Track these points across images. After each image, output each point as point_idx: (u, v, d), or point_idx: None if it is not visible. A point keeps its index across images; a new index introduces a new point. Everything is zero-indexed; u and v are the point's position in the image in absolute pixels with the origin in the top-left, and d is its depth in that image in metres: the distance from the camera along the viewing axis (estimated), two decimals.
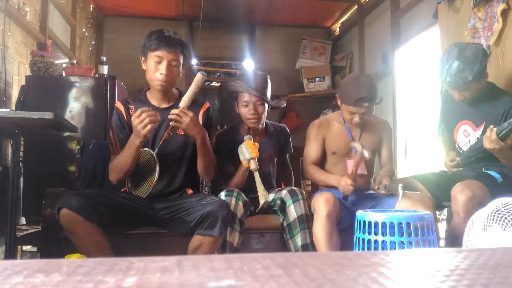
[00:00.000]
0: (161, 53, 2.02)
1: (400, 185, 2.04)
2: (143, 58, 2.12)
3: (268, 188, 2.36)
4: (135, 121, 1.89)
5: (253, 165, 2.13)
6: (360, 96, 2.18)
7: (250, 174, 2.39)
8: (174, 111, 1.96)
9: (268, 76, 2.45)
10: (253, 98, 2.33)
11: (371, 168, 2.44)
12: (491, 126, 1.94)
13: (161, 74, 2.03)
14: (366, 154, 2.13)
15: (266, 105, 2.39)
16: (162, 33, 2.05)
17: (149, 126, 1.87)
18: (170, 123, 1.97)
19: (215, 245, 1.95)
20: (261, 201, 2.12)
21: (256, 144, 2.17)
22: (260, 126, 2.44)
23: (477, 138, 2.15)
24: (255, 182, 2.33)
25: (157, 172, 1.99)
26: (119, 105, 2.16)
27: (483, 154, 2.11)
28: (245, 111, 2.35)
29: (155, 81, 2.06)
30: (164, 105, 2.15)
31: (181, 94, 2.15)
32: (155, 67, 2.04)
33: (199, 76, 2.00)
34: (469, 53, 2.06)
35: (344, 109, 2.28)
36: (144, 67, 2.12)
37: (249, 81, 2.37)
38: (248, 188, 2.31)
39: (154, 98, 2.16)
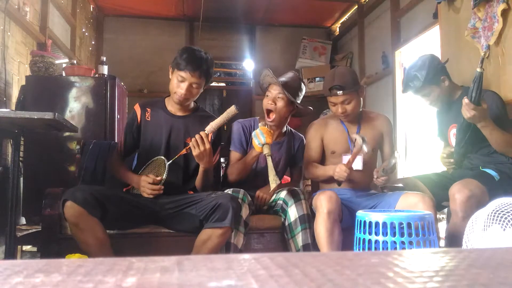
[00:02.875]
0: (185, 75, 2.11)
1: (396, 153, 2.25)
2: (171, 69, 2.21)
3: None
4: (142, 182, 2.07)
5: (266, 150, 2.13)
6: (333, 85, 2.27)
7: (251, 172, 2.40)
8: (198, 136, 2.03)
9: (303, 82, 2.48)
10: (275, 90, 2.36)
11: (372, 165, 2.43)
12: (464, 97, 2.00)
13: (181, 91, 2.13)
14: (365, 148, 2.15)
15: (289, 105, 2.36)
16: (193, 55, 2.13)
17: (147, 196, 2.06)
18: (190, 142, 2.06)
19: (224, 237, 1.96)
20: (272, 186, 2.12)
21: (271, 131, 2.19)
22: (278, 125, 2.42)
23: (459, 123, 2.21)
24: (258, 181, 2.38)
25: (163, 180, 2.07)
26: (137, 108, 2.28)
27: (471, 135, 2.15)
28: (265, 101, 2.39)
29: (174, 95, 2.17)
30: (180, 113, 2.25)
31: (198, 107, 2.32)
32: (177, 84, 2.14)
33: (232, 109, 2.09)
34: (419, 62, 2.28)
35: (328, 103, 2.37)
36: (170, 76, 2.21)
37: (284, 78, 2.41)
38: (251, 187, 2.33)
39: (171, 106, 2.26)
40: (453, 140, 2.34)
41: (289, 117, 2.46)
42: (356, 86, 2.31)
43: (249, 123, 2.48)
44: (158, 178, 2.07)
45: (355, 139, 2.22)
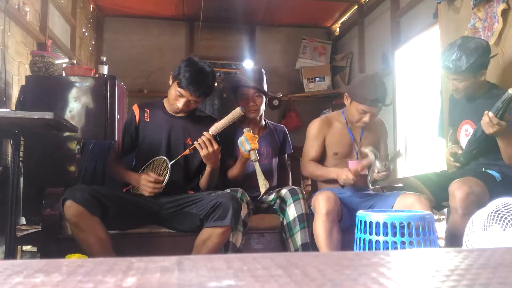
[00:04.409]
0: (184, 93, 2.11)
1: (399, 149, 2.09)
2: (171, 76, 2.18)
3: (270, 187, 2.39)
4: (143, 180, 2.05)
5: (253, 156, 2.16)
6: (376, 97, 2.20)
7: (249, 175, 2.40)
8: (204, 137, 2.04)
9: (263, 70, 2.58)
10: (251, 91, 2.45)
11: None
12: (486, 112, 1.94)
13: (178, 105, 2.13)
14: (378, 165, 2.13)
15: (264, 98, 2.49)
16: (195, 74, 2.09)
17: (148, 194, 2.05)
18: (195, 142, 2.06)
19: (225, 236, 1.97)
20: (262, 190, 2.15)
21: (256, 136, 2.21)
22: (259, 119, 2.53)
23: (474, 130, 2.16)
24: (252, 180, 2.36)
25: (165, 181, 2.06)
26: (135, 108, 2.27)
27: (483, 144, 2.12)
28: (244, 104, 2.44)
29: (171, 105, 2.18)
30: (179, 114, 2.24)
31: (196, 107, 2.26)
32: (176, 97, 2.14)
33: (237, 110, 2.11)
34: (470, 45, 2.11)
35: (354, 108, 2.27)
36: (170, 82, 2.20)
37: (246, 76, 2.51)
38: (247, 187, 2.33)
39: (170, 107, 2.23)
40: (462, 136, 2.30)
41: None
42: (390, 98, 2.28)
43: (228, 127, 2.49)
44: (161, 178, 2.06)
45: (367, 153, 2.18)
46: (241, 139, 2.18)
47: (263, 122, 2.59)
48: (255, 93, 2.45)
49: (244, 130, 2.24)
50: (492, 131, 1.94)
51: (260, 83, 2.48)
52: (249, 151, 2.15)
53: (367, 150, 2.19)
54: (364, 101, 2.22)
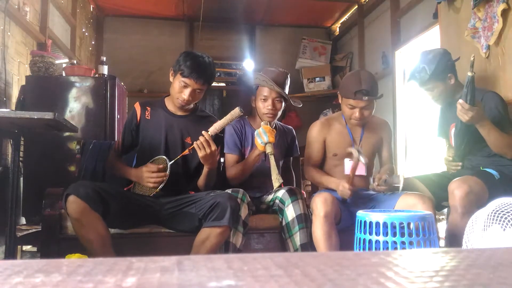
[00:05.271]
0: (189, 82, 2.12)
1: (401, 174, 2.06)
2: (172, 71, 2.20)
3: (271, 186, 2.36)
4: (145, 173, 2.05)
5: (269, 149, 2.14)
6: (360, 89, 2.19)
7: (251, 175, 2.40)
8: (203, 137, 2.04)
9: (289, 74, 2.50)
10: (273, 94, 2.37)
11: (370, 169, 2.44)
12: (458, 101, 1.99)
13: (184, 96, 2.14)
14: (363, 160, 2.13)
15: (283, 104, 2.42)
16: (197, 61, 2.13)
17: (153, 185, 2.04)
18: (194, 143, 2.06)
19: (223, 237, 1.96)
20: (275, 185, 2.12)
21: (274, 130, 2.19)
22: (273, 122, 2.48)
23: (455, 125, 2.22)
24: (254, 181, 2.38)
25: (168, 169, 2.06)
26: (137, 106, 2.28)
27: (469, 136, 2.16)
28: (263, 106, 2.39)
29: (176, 99, 2.18)
30: (179, 113, 2.26)
31: (197, 107, 2.32)
32: (180, 89, 2.14)
33: (236, 111, 2.10)
34: (429, 56, 2.26)
35: (344, 104, 2.29)
36: (171, 79, 2.21)
37: (271, 76, 2.38)
38: (248, 187, 2.33)
39: (171, 105, 2.26)
40: (452, 139, 2.34)
41: None
42: (378, 92, 2.28)
43: (240, 124, 2.47)
44: (161, 166, 2.05)
45: (352, 152, 2.18)
46: (259, 131, 2.17)
47: (274, 125, 2.53)
48: (276, 97, 2.37)
49: (262, 123, 2.24)
50: (468, 117, 1.97)
51: (284, 88, 2.42)
52: (266, 143, 2.14)
53: (350, 149, 2.20)
54: (349, 94, 2.23)
